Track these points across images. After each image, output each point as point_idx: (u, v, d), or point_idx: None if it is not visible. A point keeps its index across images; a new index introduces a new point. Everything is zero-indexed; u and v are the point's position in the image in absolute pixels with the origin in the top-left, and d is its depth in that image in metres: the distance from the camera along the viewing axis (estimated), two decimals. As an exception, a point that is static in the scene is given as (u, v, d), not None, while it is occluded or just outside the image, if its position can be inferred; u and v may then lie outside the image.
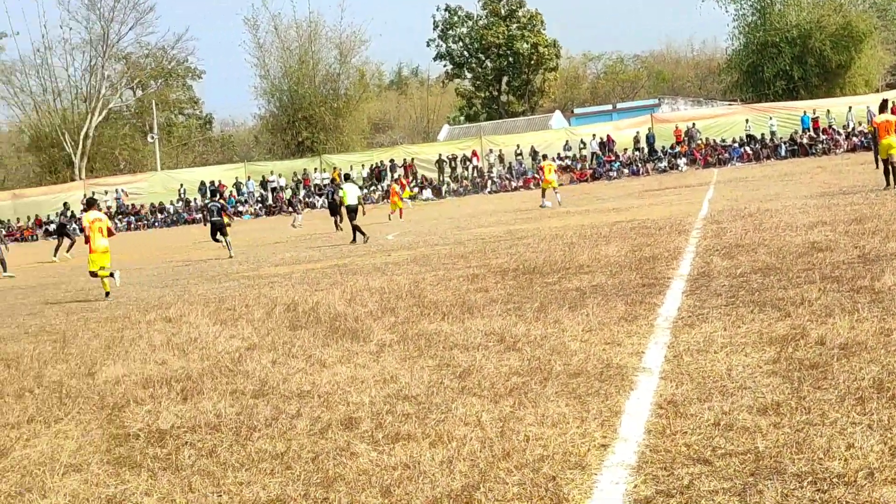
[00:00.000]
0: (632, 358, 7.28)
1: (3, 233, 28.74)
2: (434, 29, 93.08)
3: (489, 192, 56.50)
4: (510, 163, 60.04)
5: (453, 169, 61.33)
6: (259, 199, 63.53)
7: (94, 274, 17.29)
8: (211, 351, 9.59)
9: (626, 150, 58.77)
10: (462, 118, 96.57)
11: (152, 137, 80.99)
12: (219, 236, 26.47)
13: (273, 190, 63.04)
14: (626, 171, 56.47)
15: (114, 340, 11.00)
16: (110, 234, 17.46)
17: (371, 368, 7.88)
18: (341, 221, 26.13)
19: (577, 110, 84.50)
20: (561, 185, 53.20)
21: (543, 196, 34.64)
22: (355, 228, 25.42)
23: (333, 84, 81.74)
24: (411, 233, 26.87)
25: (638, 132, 59.26)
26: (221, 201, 28.20)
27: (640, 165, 56.74)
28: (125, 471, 5.76)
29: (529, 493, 4.68)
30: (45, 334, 12.43)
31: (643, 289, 10.64)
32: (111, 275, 17.12)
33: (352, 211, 25.93)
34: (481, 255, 16.89)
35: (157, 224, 61.67)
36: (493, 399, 6.46)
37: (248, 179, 64.90)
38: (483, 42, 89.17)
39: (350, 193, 26.30)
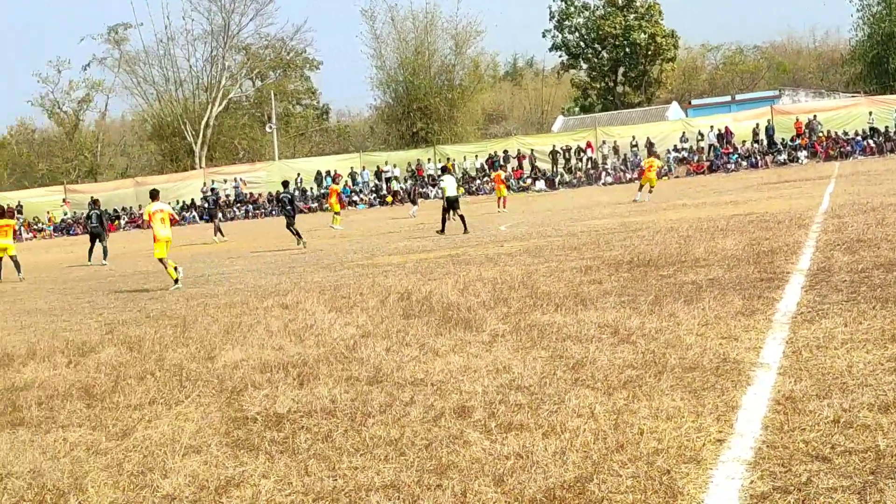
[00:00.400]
0: (749, 353, 7.17)
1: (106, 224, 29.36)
2: (550, 19, 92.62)
3: (603, 184, 56.05)
4: (625, 154, 59.46)
5: (567, 160, 60.99)
6: (373, 188, 64.05)
7: (161, 260, 18.18)
8: (326, 338, 9.72)
9: (744, 142, 57.66)
10: (577, 109, 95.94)
11: (270, 127, 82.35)
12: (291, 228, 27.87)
13: (387, 180, 63.50)
14: (744, 163, 55.43)
15: (232, 326, 11.22)
16: (173, 222, 18.54)
17: (484, 358, 7.91)
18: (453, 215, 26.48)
19: (694, 101, 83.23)
20: (677, 176, 52.70)
21: (640, 191, 34.72)
22: (444, 220, 26.45)
23: (448, 75, 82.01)
24: (524, 224, 26.83)
25: (757, 124, 58.12)
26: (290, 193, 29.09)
27: (758, 158, 55.63)
28: (243, 453, 5.89)
29: (643, 486, 4.65)
30: (165, 319, 12.75)
31: (761, 283, 10.46)
32: (175, 268, 17.72)
33: (452, 202, 26.69)
34: (595, 246, 16.78)
35: (273, 212, 62.59)
36: (607, 391, 6.43)
37: (363, 169, 65.53)
38: (599, 32, 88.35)
39: (449, 186, 27.03)
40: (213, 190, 50.69)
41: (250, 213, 63.48)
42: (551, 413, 6.05)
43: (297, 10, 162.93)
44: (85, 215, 33.47)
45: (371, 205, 61.26)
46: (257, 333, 10.42)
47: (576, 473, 4.91)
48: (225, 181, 67.03)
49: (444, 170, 30.51)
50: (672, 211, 25.18)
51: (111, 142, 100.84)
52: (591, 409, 6.01)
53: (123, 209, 66.29)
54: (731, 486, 4.56)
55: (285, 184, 32.22)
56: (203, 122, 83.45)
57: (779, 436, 5.17)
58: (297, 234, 27.04)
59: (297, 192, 56.27)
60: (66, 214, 66.99)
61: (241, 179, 66.96)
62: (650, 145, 57.75)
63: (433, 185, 59.68)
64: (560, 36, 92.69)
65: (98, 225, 31.22)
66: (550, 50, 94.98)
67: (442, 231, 26.08)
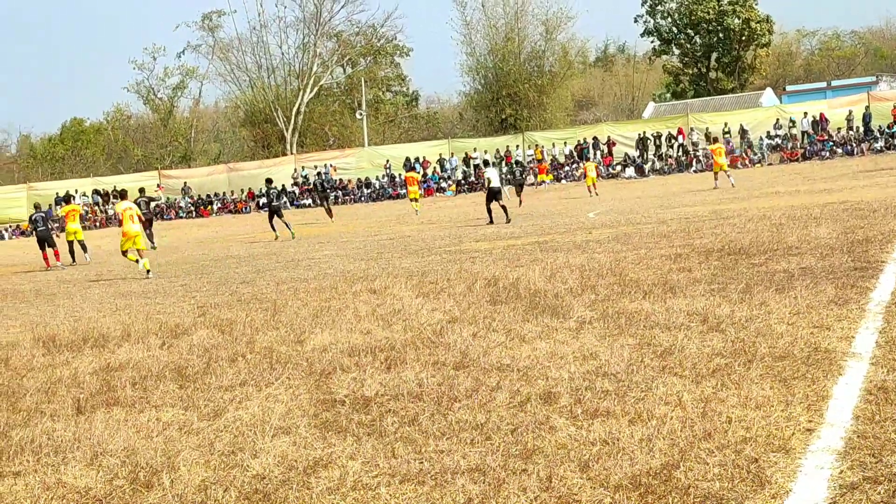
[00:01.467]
0: (841, 342, 7.05)
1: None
2: (642, 5, 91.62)
3: (694, 171, 55.36)
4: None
5: (658, 147, 60.37)
6: (462, 175, 64.13)
7: (124, 253, 20.54)
8: (414, 322, 9.79)
9: (839, 129, 56.46)
10: (668, 95, 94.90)
11: (360, 114, 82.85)
12: (274, 220, 29.88)
13: (476, 167, 63.50)
14: (839, 150, 54.26)
15: (321, 310, 11.35)
16: (140, 220, 20.67)
17: (570, 345, 7.90)
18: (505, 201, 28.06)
19: (789, 87, 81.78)
20: (770, 164, 51.83)
21: (716, 179, 35.34)
22: (490, 210, 27.22)
23: (538, 61, 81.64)
24: (613, 211, 26.66)
25: (853, 111, 56.84)
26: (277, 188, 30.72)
27: (854, 145, 54.42)
28: (331, 435, 5.97)
29: (731, 474, 4.62)
30: (256, 302, 12.95)
31: (855, 272, 10.26)
32: (137, 261, 20.08)
33: (496, 193, 27.47)
34: (685, 234, 16.61)
35: (363, 199, 63.12)
36: (695, 379, 6.39)
37: (452, 156, 65.63)
38: (692, 17, 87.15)
39: (493, 178, 27.85)
40: (320, 174, 51.00)
41: (339, 199, 63.97)
42: (638, 400, 6.03)
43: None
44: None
45: (459, 191, 61.31)
46: (346, 318, 10.53)
47: (662, 461, 4.89)
48: (315, 167, 67.67)
49: (486, 163, 32.14)
50: (764, 199, 24.80)
51: (204, 128, 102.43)
52: (679, 397, 5.98)
53: (216, 195, 67.29)
54: (820, 476, 4.51)
55: (268, 181, 33.43)
56: (294, 109, 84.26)
57: (870, 426, 5.10)
58: (287, 225, 29.34)
59: (281, 187, 56.16)
60: (160, 199, 68.31)
61: (331, 165, 67.51)
62: (745, 132, 56.93)
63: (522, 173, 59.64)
64: (652, 21, 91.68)
65: (148, 211, 32.60)
66: (642, 35, 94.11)
67: (490, 221, 26.80)
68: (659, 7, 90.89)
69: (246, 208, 64.88)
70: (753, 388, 6.04)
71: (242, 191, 67.40)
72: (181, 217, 64.83)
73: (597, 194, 37.98)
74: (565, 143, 63.58)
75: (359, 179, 65.78)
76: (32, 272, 24.98)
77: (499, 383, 6.81)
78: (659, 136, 60.53)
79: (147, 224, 30.15)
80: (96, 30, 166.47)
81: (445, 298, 11.30)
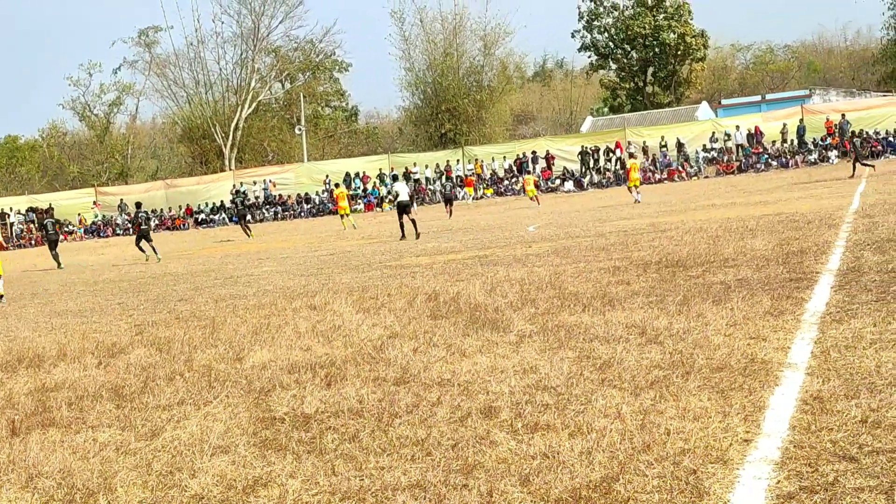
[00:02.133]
0: (777, 353, 7.14)
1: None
2: (579, 20, 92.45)
3: (632, 185, 55.83)
4: (654, 155, 59.22)
5: (596, 161, 60.82)
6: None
7: None
8: (354, 338, 9.76)
9: (774, 142, 57.28)
10: (606, 110, 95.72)
11: (300, 129, 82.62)
12: (143, 244, 30.98)
13: (416, 181, 63.53)
14: (774, 163, 55.03)
15: (261, 327, 11.27)
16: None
17: (511, 359, 7.91)
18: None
19: (724, 101, 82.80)
20: (706, 177, 52.51)
21: (630, 192, 36.80)
22: (402, 225, 27.93)
23: (477, 76, 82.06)
24: (552, 224, 26.80)
25: (787, 124, 57.73)
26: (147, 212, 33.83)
27: (789, 158, 55.24)
28: (271, 453, 5.92)
29: (669, 486, 4.65)
30: (195, 320, 12.82)
31: (790, 283, 10.41)
32: None
33: (404, 207, 28.14)
34: (623, 247, 16.74)
35: (302, 214, 62.85)
36: (634, 392, 6.43)
37: (392, 171, 65.60)
38: (629, 33, 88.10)
39: (402, 192, 28.77)
40: (238, 192, 51.13)
41: (279, 215, 63.65)
42: (578, 413, 6.05)
43: (327, 12, 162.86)
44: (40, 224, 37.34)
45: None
46: (286, 334, 10.46)
47: (602, 473, 4.91)
48: (254, 183, 67.35)
49: (395, 177, 33.41)
50: (701, 211, 25.08)
51: (141, 144, 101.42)
52: (618, 410, 6.01)
53: (153, 211, 66.60)
54: (757, 486, 4.55)
55: (138, 204, 34.80)
56: (233, 125, 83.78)
57: (806, 436, 5.16)
58: (154, 249, 30.37)
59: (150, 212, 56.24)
60: (96, 217, 67.48)
61: (270, 181, 67.20)
62: (682, 146, 57.60)
63: (461, 186, 59.79)
64: (589, 36, 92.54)
65: (55, 232, 33.72)
66: (579, 50, 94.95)
67: (403, 237, 27.42)
68: (595, 22, 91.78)
69: (184, 225, 64.32)
70: (691, 399, 6.09)
71: (180, 207, 66.82)
72: (118, 234, 64.05)
73: (538, 204, 38.36)
74: (504, 157, 63.88)
75: (298, 195, 65.52)
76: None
77: (439, 398, 6.80)
78: (597, 150, 61.00)
79: (52, 245, 32.24)
80: (30, 46, 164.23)
81: (386, 314, 11.27)
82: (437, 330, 9.72)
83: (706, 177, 54.87)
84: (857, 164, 37.36)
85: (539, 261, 16.01)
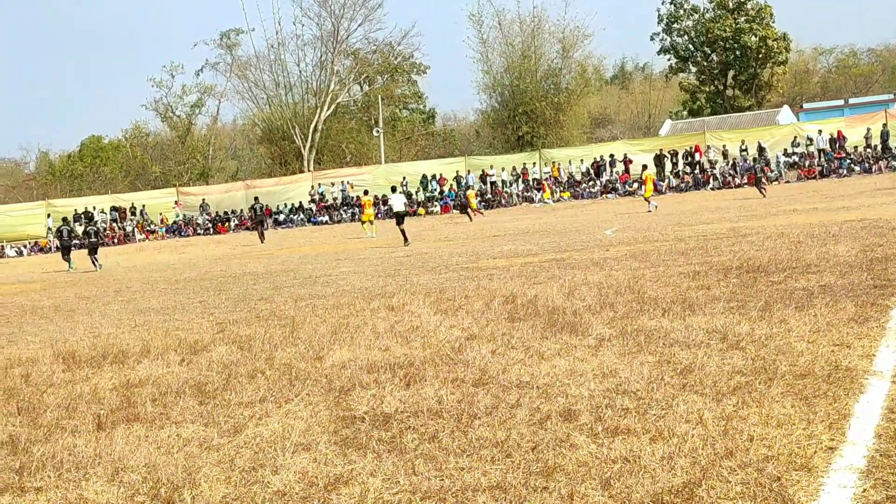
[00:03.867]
0: (862, 360, 7.02)
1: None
2: (659, 22, 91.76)
3: (711, 189, 55.24)
4: (734, 159, 58.50)
5: (674, 164, 60.23)
6: (479, 192, 64.04)
7: None
8: (432, 339, 9.79)
9: (856, 147, 56.24)
10: (685, 113, 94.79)
11: (377, 131, 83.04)
12: (91, 256, 33.28)
13: (492, 184, 63.47)
14: (857, 168, 54.04)
15: (340, 326, 11.36)
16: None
17: (590, 362, 7.88)
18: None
19: (806, 105, 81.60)
20: (787, 182, 51.76)
21: (647, 202, 38.37)
22: (403, 231, 30.52)
23: (555, 78, 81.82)
24: (630, 228, 26.62)
25: (870, 128, 56.64)
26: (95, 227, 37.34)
27: (872, 163, 54.20)
28: (351, 451, 5.97)
29: (753, 492, 4.60)
30: (275, 319, 12.96)
31: (875, 290, 10.22)
32: None
33: (400, 217, 31.33)
34: (703, 252, 16.58)
35: (379, 216, 63.10)
36: (716, 397, 6.36)
37: (469, 173, 65.63)
38: (709, 35, 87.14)
39: (396, 203, 32.12)
40: (257, 199, 52.58)
41: (356, 216, 63.87)
42: (659, 418, 6.01)
43: (406, 15, 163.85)
44: (57, 229, 40.42)
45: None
46: (364, 334, 10.54)
47: (684, 479, 4.87)
48: (332, 184, 67.83)
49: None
50: (783, 216, 24.73)
51: (222, 145, 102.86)
52: (700, 415, 5.96)
53: (233, 211, 67.41)
54: (842, 495, 4.48)
55: (90, 217, 38.03)
56: (312, 126, 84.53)
57: (892, 444, 5.07)
58: (96, 262, 32.76)
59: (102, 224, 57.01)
60: (177, 216, 68.49)
61: (348, 182, 67.59)
62: (762, 150, 56.83)
63: (538, 189, 59.65)
64: (669, 39, 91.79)
65: (68, 239, 36.09)
66: (659, 53, 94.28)
67: (406, 242, 29.72)
68: (675, 25, 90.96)
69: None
70: (775, 406, 6.02)
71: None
72: (199, 234, 64.92)
73: (649, 210, 37.36)
74: (581, 160, 63.52)
75: (375, 196, 65.77)
76: (50, 289, 25.07)
77: (518, 400, 6.80)
78: (675, 154, 60.40)
79: (65, 251, 35.24)
80: (115, 48, 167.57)
81: (463, 315, 11.29)
82: (515, 332, 9.71)
83: (787, 181, 54.04)
84: None
85: (617, 264, 15.92)
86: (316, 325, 11.78)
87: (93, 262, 32.80)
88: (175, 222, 67.79)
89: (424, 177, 65.56)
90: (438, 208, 61.38)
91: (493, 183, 63.26)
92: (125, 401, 8.14)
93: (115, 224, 66.85)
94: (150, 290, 20.74)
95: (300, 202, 66.38)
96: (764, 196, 38.68)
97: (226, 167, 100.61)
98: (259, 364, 9.29)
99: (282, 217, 65.58)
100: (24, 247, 63.26)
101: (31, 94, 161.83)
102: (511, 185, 63.35)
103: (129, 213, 67.98)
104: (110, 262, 37.15)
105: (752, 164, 53.49)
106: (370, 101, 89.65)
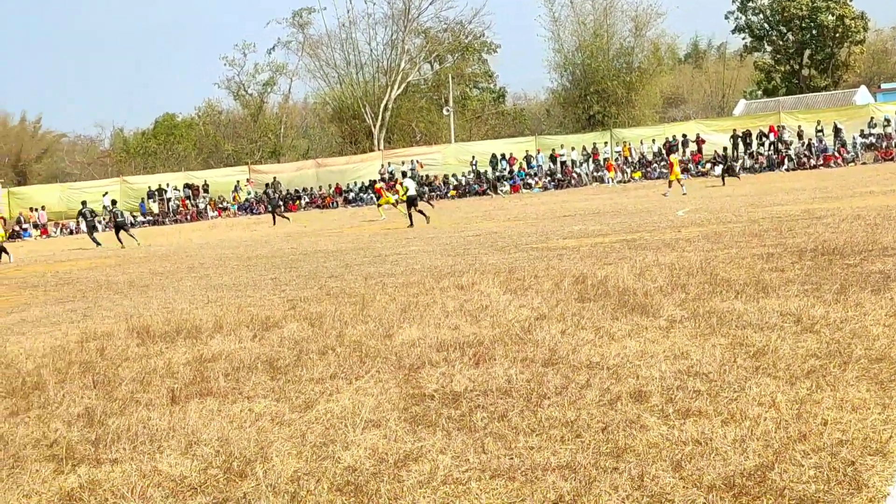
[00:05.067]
0: (940, 345, 6.90)
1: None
2: (733, 1, 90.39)
3: (786, 170, 54.45)
4: (809, 139, 57.58)
5: (748, 145, 59.45)
6: (548, 172, 63.81)
7: None
8: (501, 319, 9.80)
9: (937, 128, 55.00)
10: (759, 93, 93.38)
11: (447, 110, 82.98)
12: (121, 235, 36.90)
13: (562, 164, 63.15)
14: (937, 149, 52.91)
15: (409, 305, 11.41)
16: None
17: (661, 344, 7.84)
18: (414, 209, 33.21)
19: (884, 86, 79.91)
20: (864, 163, 50.84)
21: (669, 187, 38.74)
22: (410, 215, 32.74)
23: (627, 57, 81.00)
24: (703, 209, 26.34)
25: (950, 109, 55.34)
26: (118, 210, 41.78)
27: (953, 144, 53.01)
28: (421, 429, 6.01)
29: (826, 476, 4.56)
30: (345, 296, 13.06)
31: (955, 274, 10.03)
32: None
33: (412, 200, 33.38)
34: (777, 233, 16.36)
35: (448, 195, 63.14)
36: (789, 381, 6.30)
37: (538, 153, 65.36)
38: (785, 14, 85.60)
39: (410, 187, 33.98)
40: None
41: (425, 196, 63.92)
42: (731, 401, 5.97)
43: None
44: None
45: (545, 188, 61.03)
46: (434, 313, 10.58)
47: (756, 462, 4.84)
48: (402, 162, 67.94)
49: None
50: (858, 198, 24.31)
51: (293, 124, 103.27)
52: (773, 398, 5.91)
53: (304, 189, 67.83)
54: (919, 481, 4.42)
55: (114, 202, 42.60)
56: (382, 105, 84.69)
57: (972, 432, 4.99)
58: (133, 237, 37.12)
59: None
60: (249, 194, 69.10)
61: (417, 161, 67.67)
62: (839, 130, 55.82)
63: (607, 169, 59.30)
64: (743, 17, 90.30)
65: (91, 220, 41.58)
66: (733, 32, 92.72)
67: (411, 224, 31.82)
68: (750, 3, 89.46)
69: (333, 203, 65.32)
70: (849, 390, 5.95)
71: (330, 186, 67.88)
72: (269, 211, 65.29)
73: (684, 193, 37.36)
74: (653, 140, 62.93)
75: (445, 175, 65.78)
76: (124, 265, 25.50)
77: (588, 381, 6.79)
78: (749, 135, 59.59)
79: (90, 230, 39.91)
80: (188, 26, 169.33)
81: (533, 295, 11.28)
82: (584, 313, 9.69)
83: (864, 163, 53.07)
84: None
85: (689, 246, 15.77)
86: (386, 303, 11.85)
87: (119, 240, 36.39)
88: (247, 200, 68.40)
89: (494, 156, 65.39)
90: (508, 188, 61.18)
91: (563, 163, 62.93)
92: (198, 375, 8.27)
93: (188, 201, 67.68)
94: (223, 267, 21.01)
95: (370, 180, 66.58)
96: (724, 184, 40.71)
97: (297, 145, 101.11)
98: (329, 341, 9.38)
99: (351, 196, 65.82)
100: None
101: (107, 72, 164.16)
102: (581, 164, 62.98)
103: (201, 191, 68.69)
104: (182, 240, 37.70)
105: (824, 145, 52.59)
106: (440, 79, 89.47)
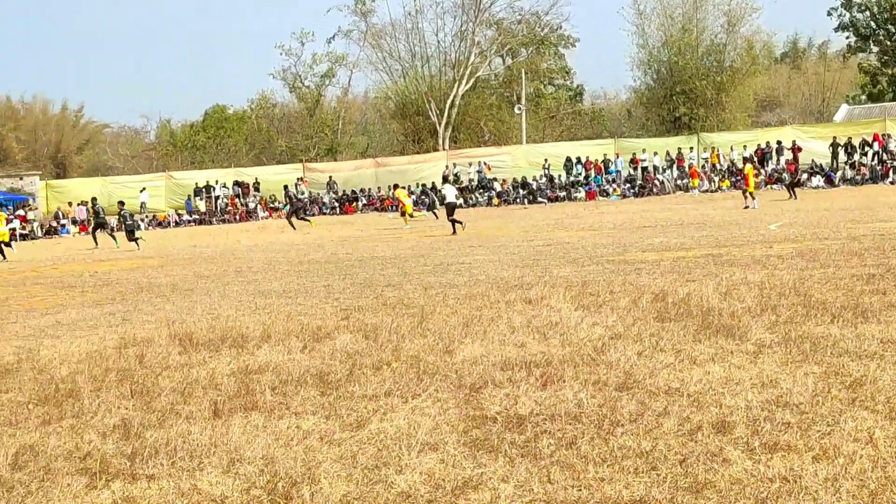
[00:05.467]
0: None
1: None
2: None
3: (890, 182, 53.70)
4: (917, 150, 56.72)
5: (850, 154, 58.66)
6: (627, 178, 63.47)
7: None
8: (572, 337, 9.77)
9: None
10: (864, 97, 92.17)
11: (519, 108, 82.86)
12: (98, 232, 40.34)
13: (644, 169, 62.78)
14: None
15: (472, 319, 11.41)
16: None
17: (748, 370, 7.77)
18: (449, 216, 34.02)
19: None
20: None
21: (745, 199, 38.35)
22: (453, 222, 33.03)
23: (718, 55, 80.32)
24: (797, 224, 26.07)
25: None
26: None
27: None
28: (482, 454, 6.01)
29: (929, 523, 4.48)
30: (402, 307, 13.09)
31: None
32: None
33: (452, 208, 34.37)
34: (879, 252, 16.14)
35: (517, 200, 62.99)
36: (889, 415, 6.21)
37: (618, 157, 65.04)
38: (893, 12, 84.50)
39: (449, 193, 35.59)
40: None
41: (491, 200, 63.88)
42: (823, 435, 5.89)
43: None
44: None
45: (624, 196, 60.77)
46: (498, 328, 10.57)
47: (850, 503, 4.77)
48: (469, 164, 67.89)
49: (445, 179, 39.06)
50: (972, 216, 23.90)
51: (352, 119, 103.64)
52: (870, 434, 5.82)
53: (362, 190, 68.07)
54: None
55: (122, 203, 43.43)
56: (448, 101, 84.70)
57: None
58: (113, 238, 39.70)
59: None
60: (302, 194, 69.52)
61: (484, 163, 67.64)
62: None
63: (691, 177, 58.80)
64: (848, 15, 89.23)
65: (102, 218, 42.70)
66: (836, 30, 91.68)
67: (454, 232, 32.23)
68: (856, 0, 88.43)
69: (392, 206, 65.54)
70: (957, 428, 5.85)
71: (389, 187, 68.12)
72: (325, 213, 65.78)
73: (749, 207, 36.83)
74: (745, 146, 62.28)
75: (514, 179, 65.59)
76: (167, 266, 25.81)
77: (666, 408, 6.74)
78: (851, 143, 58.78)
79: (98, 227, 41.94)
80: (242, 13, 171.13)
81: (608, 312, 11.23)
82: (664, 333, 9.63)
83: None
84: None
85: (781, 263, 15.61)
86: (447, 315, 11.86)
87: (135, 242, 37.56)
88: (300, 200, 68.88)
89: (568, 159, 65.18)
90: (583, 194, 60.97)
91: (644, 168, 62.58)
92: (243, 388, 8.34)
93: (237, 200, 68.23)
94: (272, 272, 21.18)
95: (433, 182, 66.63)
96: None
97: (355, 143, 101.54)
98: (385, 355, 9.41)
99: (413, 199, 66.00)
100: (143, 220, 65.15)
101: (155, 60, 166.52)
102: (664, 171, 62.56)
103: (252, 189, 69.21)
104: (230, 240, 38.09)
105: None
106: (512, 75, 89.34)
